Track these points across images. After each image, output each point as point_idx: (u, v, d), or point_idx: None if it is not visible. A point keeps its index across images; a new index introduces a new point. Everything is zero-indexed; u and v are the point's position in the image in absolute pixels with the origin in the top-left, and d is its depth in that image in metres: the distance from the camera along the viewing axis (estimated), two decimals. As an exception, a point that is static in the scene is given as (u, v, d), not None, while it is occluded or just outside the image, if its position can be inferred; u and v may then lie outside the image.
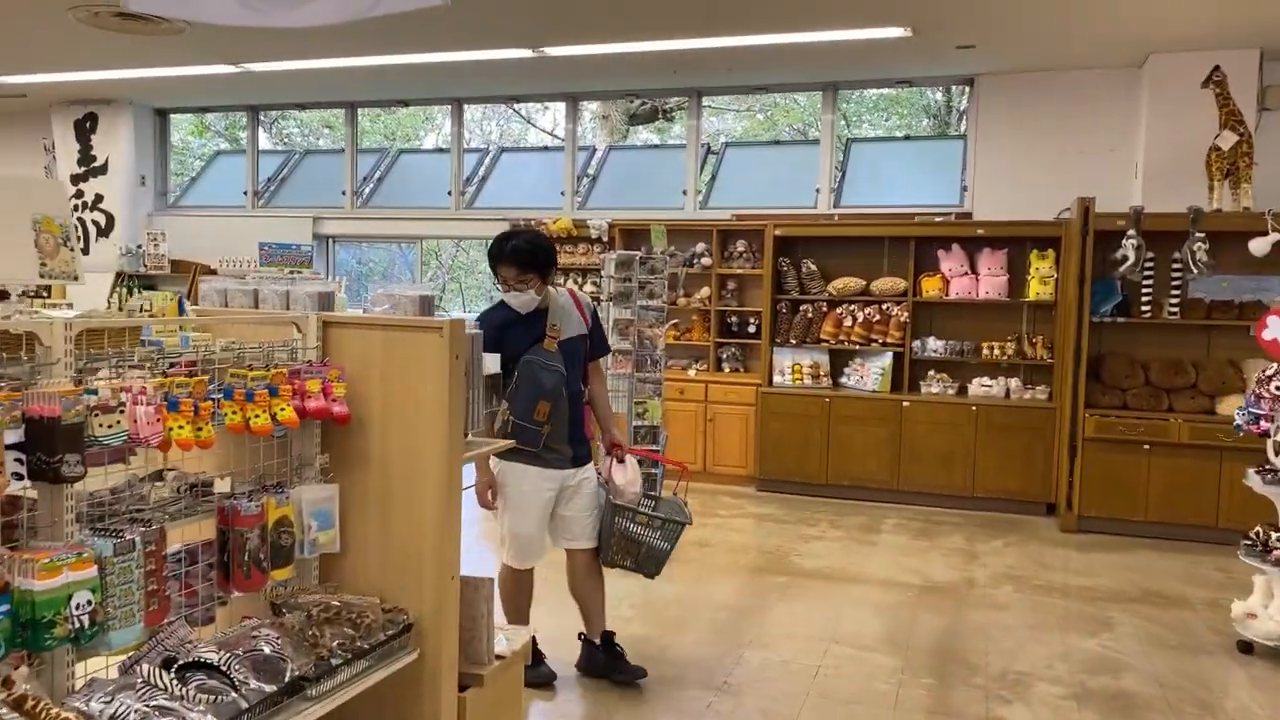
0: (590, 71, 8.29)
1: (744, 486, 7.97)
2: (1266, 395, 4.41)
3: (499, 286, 3.78)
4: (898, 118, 14.60)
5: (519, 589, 3.94)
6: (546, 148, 10.07)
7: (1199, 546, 6.30)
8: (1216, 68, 6.51)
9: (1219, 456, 6.35)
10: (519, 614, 3.94)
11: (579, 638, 4.05)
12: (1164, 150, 7.08)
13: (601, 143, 11.11)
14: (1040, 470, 7.13)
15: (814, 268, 7.98)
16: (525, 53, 7.57)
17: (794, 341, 7.98)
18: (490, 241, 3.81)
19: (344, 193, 9.96)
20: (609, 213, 8.74)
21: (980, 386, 7.51)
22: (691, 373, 8.32)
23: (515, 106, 13.01)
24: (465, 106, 9.64)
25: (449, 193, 9.56)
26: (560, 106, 9.54)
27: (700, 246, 8.38)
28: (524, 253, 3.68)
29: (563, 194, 9.24)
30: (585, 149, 9.83)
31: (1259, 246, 6.20)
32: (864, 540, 6.45)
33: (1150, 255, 6.60)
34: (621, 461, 3.96)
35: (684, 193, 8.92)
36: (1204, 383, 6.68)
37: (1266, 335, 4.49)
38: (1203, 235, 6.38)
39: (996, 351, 7.54)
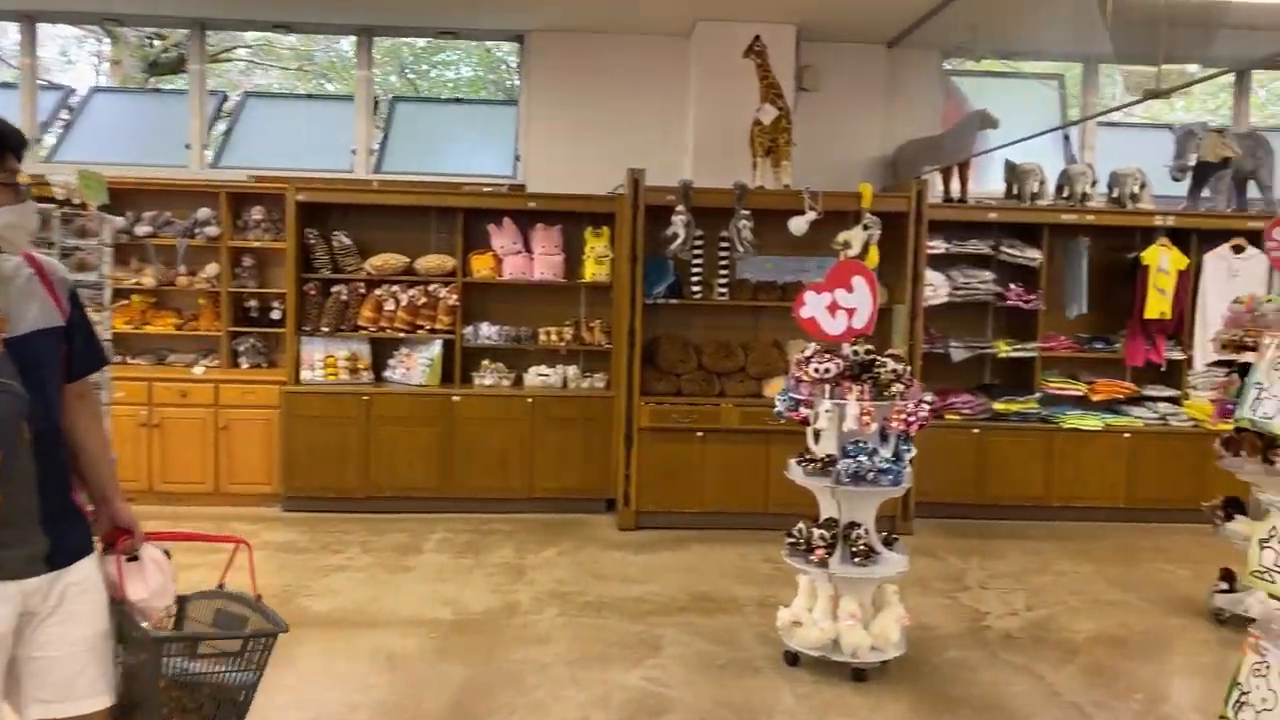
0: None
1: (266, 507, 6.57)
2: (806, 378, 4.00)
3: None
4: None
5: None
6: (5, 84, 7.78)
7: (751, 535, 6.04)
8: (757, 38, 6.29)
9: (767, 441, 6.14)
10: None
11: None
12: (712, 123, 6.82)
13: (92, 84, 8.95)
14: (599, 464, 6.56)
15: (348, 242, 6.77)
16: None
17: (327, 329, 6.70)
18: None
19: None
20: (85, 167, 6.80)
21: (537, 376, 6.79)
22: (198, 370, 6.71)
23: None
24: None
25: None
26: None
27: (205, 213, 6.79)
28: (13, 130, 2.06)
29: (19, 142, 7.10)
30: (57, 88, 7.72)
31: (797, 225, 6.06)
32: (398, 565, 5.40)
33: (700, 233, 6.26)
34: (136, 559, 2.27)
35: (187, 147, 7.25)
36: (752, 365, 6.49)
37: (804, 313, 4.11)
38: (747, 213, 6.14)
39: (554, 337, 6.86)
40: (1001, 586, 5.24)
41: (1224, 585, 4.76)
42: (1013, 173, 6.98)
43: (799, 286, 6.41)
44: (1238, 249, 6.77)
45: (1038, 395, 6.82)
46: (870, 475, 3.84)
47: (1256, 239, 6.73)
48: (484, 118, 8.28)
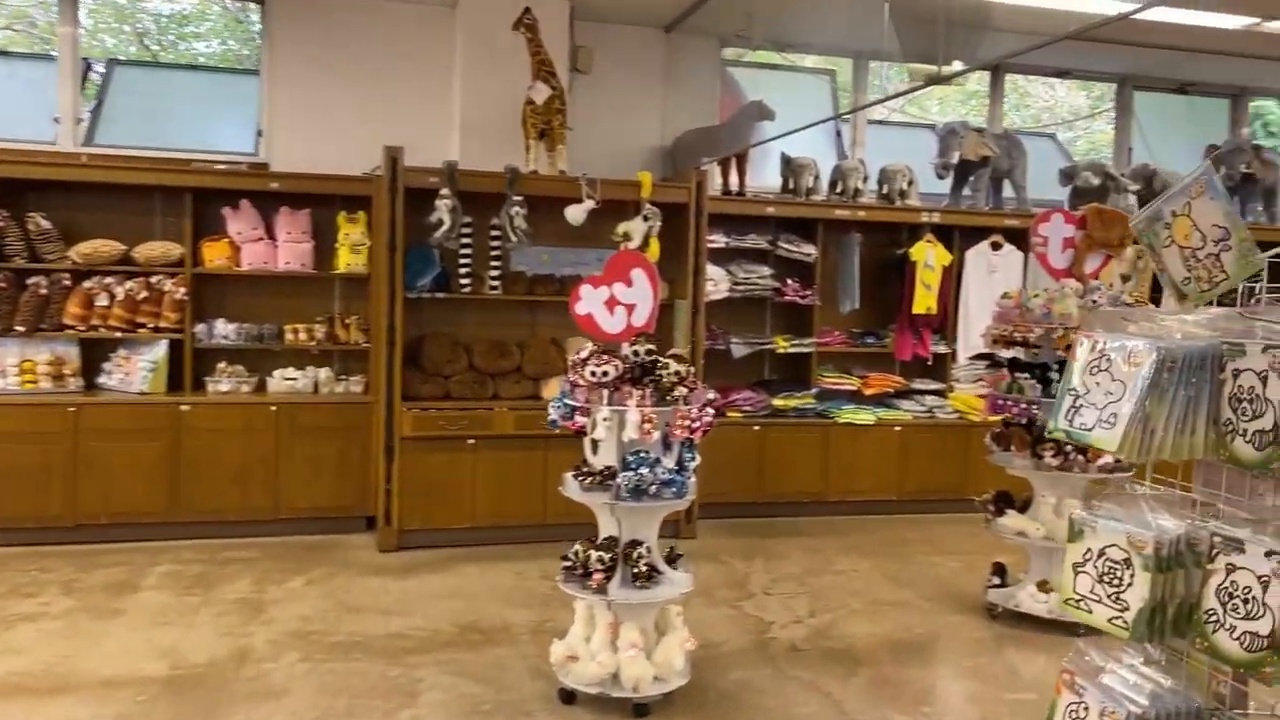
0: None
1: (-58, 543, 5.44)
2: (582, 382, 3.59)
3: None
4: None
5: None
6: None
7: (528, 550, 5.59)
8: (527, 10, 5.81)
9: (545, 446, 5.70)
10: None
11: None
12: (481, 101, 6.28)
13: None
14: (357, 478, 5.89)
15: (49, 225, 5.72)
16: None
17: (22, 329, 5.64)
18: None
19: None
20: None
21: (284, 380, 6.03)
22: None
23: None
24: None
25: None
26: None
27: None
28: None
29: None
30: None
31: (575, 214, 5.67)
32: (107, 608, 4.53)
33: (468, 220, 5.73)
34: None
35: None
36: (528, 365, 6.03)
37: (580, 309, 3.69)
38: (520, 199, 5.67)
39: (303, 335, 6.11)
40: (785, 591, 5.07)
41: (996, 580, 4.80)
42: (788, 166, 6.91)
43: (577, 280, 6.04)
44: (995, 246, 7.02)
45: (814, 390, 6.79)
46: (652, 488, 3.48)
47: (1012, 236, 7.03)
48: (222, 88, 7.32)
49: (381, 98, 6.50)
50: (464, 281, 5.85)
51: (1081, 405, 1.90)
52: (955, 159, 6.87)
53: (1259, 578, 1.63)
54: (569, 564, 3.63)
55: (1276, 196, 7.59)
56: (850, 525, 6.43)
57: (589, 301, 3.68)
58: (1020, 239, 7.07)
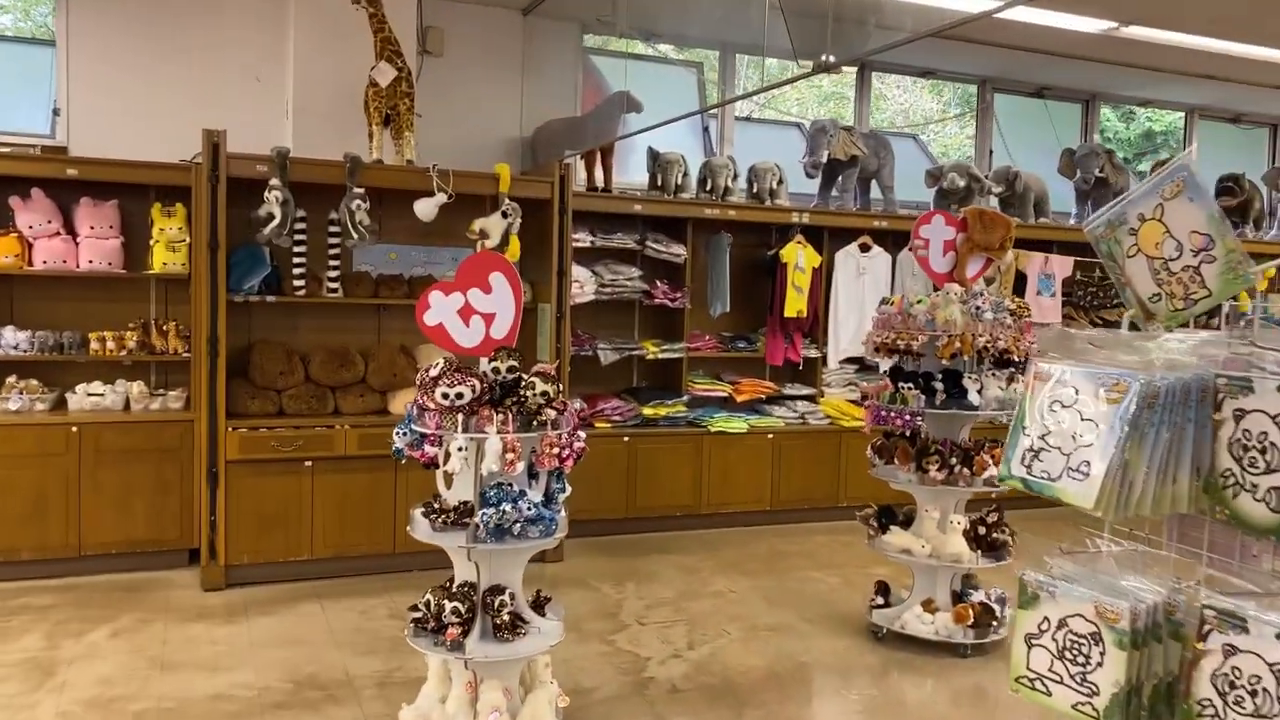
0: None
1: None
2: (432, 406, 3.10)
3: None
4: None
5: None
6: None
7: (377, 583, 5.05)
8: (369, -18, 5.24)
9: (393, 466, 5.15)
10: None
11: None
12: (318, 81, 5.64)
13: None
14: (177, 508, 5.18)
15: None
16: None
17: None
18: None
19: None
20: None
21: (89, 396, 5.23)
22: None
23: None
24: None
25: None
26: None
27: None
28: None
29: None
30: None
31: (425, 209, 5.16)
32: None
33: (302, 214, 5.12)
34: None
35: None
36: (374, 376, 5.44)
37: (429, 319, 3.18)
38: (363, 191, 5.09)
39: (112, 345, 5.33)
40: (660, 619, 4.70)
41: (879, 600, 4.57)
42: (656, 162, 6.56)
43: (429, 281, 5.51)
44: (864, 247, 6.88)
45: (685, 398, 6.47)
46: (517, 527, 3.03)
47: (880, 237, 6.91)
48: (11, 60, 6.37)
49: (202, 75, 5.78)
50: (298, 283, 5.23)
51: (1042, 450, 1.58)
52: (825, 157, 6.67)
53: (1270, 666, 1.34)
54: (418, 615, 3.13)
55: (1127, 200, 7.75)
56: (724, 539, 6.14)
57: (440, 310, 3.18)
58: (888, 240, 6.97)
